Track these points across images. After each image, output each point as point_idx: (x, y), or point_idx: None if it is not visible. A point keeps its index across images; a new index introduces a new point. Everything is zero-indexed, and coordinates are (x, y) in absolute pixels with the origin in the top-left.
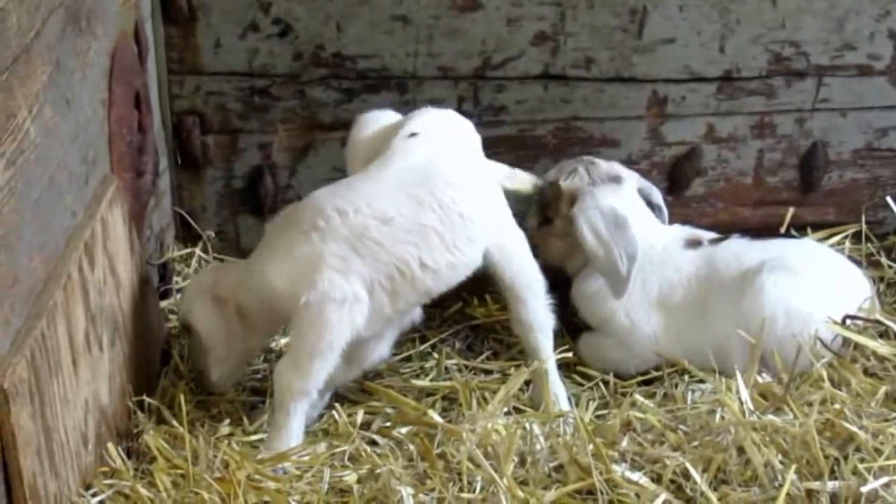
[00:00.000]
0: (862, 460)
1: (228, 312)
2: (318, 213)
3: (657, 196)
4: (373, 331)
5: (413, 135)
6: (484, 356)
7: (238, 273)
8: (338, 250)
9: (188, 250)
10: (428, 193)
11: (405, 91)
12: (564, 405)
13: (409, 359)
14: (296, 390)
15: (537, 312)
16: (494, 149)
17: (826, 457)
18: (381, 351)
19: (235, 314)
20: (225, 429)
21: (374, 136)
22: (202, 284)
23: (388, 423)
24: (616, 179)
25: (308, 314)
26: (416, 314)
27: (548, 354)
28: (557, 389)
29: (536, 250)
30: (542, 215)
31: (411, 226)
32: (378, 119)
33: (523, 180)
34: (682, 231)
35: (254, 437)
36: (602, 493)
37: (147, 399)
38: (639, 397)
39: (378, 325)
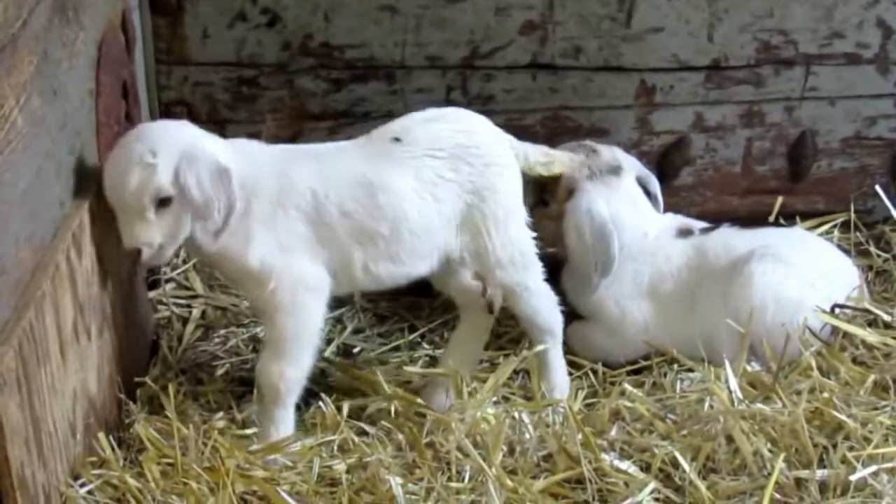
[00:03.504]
0: (851, 448)
1: None
2: (296, 190)
3: (654, 186)
4: None
5: (396, 140)
6: None
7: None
8: (306, 232)
9: None
10: (386, 199)
11: (393, 81)
12: (564, 393)
13: (397, 349)
14: (289, 379)
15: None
16: None
17: (815, 445)
18: None
19: None
20: (219, 423)
21: None
22: (208, 152)
23: (379, 409)
24: (615, 171)
25: (283, 301)
26: None
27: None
28: (565, 373)
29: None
30: (539, 196)
31: (364, 226)
32: None
33: (562, 162)
34: (674, 220)
35: (248, 431)
36: (591, 481)
37: (137, 388)
38: (628, 386)
39: None
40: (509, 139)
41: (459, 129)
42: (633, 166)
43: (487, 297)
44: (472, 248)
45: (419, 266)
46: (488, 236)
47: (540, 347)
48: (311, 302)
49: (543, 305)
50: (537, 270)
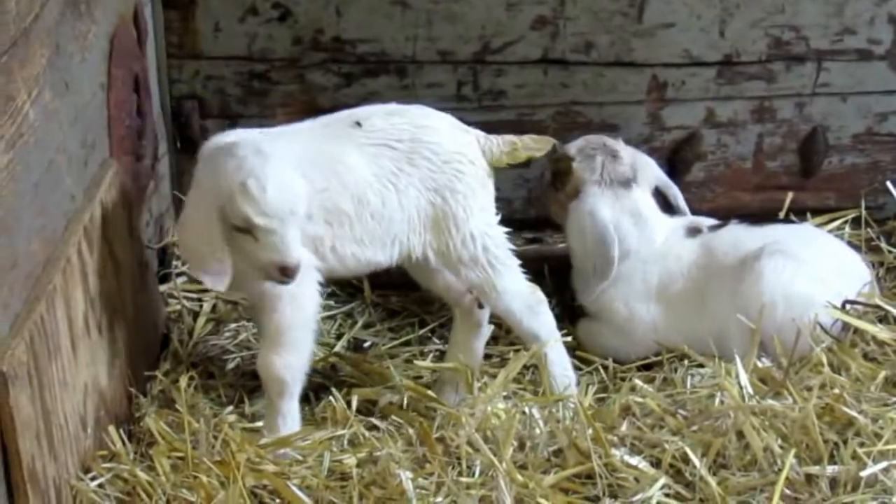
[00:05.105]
0: (861, 445)
1: None
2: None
3: (675, 196)
4: None
5: (357, 124)
6: None
7: None
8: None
9: None
10: (350, 178)
11: (405, 75)
12: (572, 388)
13: (407, 343)
14: (294, 369)
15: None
16: (494, 134)
17: (825, 441)
18: None
19: None
20: (230, 416)
21: None
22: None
23: (389, 403)
24: (626, 184)
25: (282, 289)
26: None
27: (551, 336)
28: (565, 373)
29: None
30: (553, 180)
31: (332, 205)
32: None
33: (526, 147)
34: (683, 220)
35: (259, 425)
36: (601, 477)
37: (147, 382)
38: (638, 382)
39: None
40: (477, 136)
41: (419, 125)
42: (651, 178)
43: (474, 293)
44: (435, 245)
45: (378, 253)
46: (449, 235)
47: (527, 354)
48: (307, 287)
49: (516, 307)
50: (509, 272)
